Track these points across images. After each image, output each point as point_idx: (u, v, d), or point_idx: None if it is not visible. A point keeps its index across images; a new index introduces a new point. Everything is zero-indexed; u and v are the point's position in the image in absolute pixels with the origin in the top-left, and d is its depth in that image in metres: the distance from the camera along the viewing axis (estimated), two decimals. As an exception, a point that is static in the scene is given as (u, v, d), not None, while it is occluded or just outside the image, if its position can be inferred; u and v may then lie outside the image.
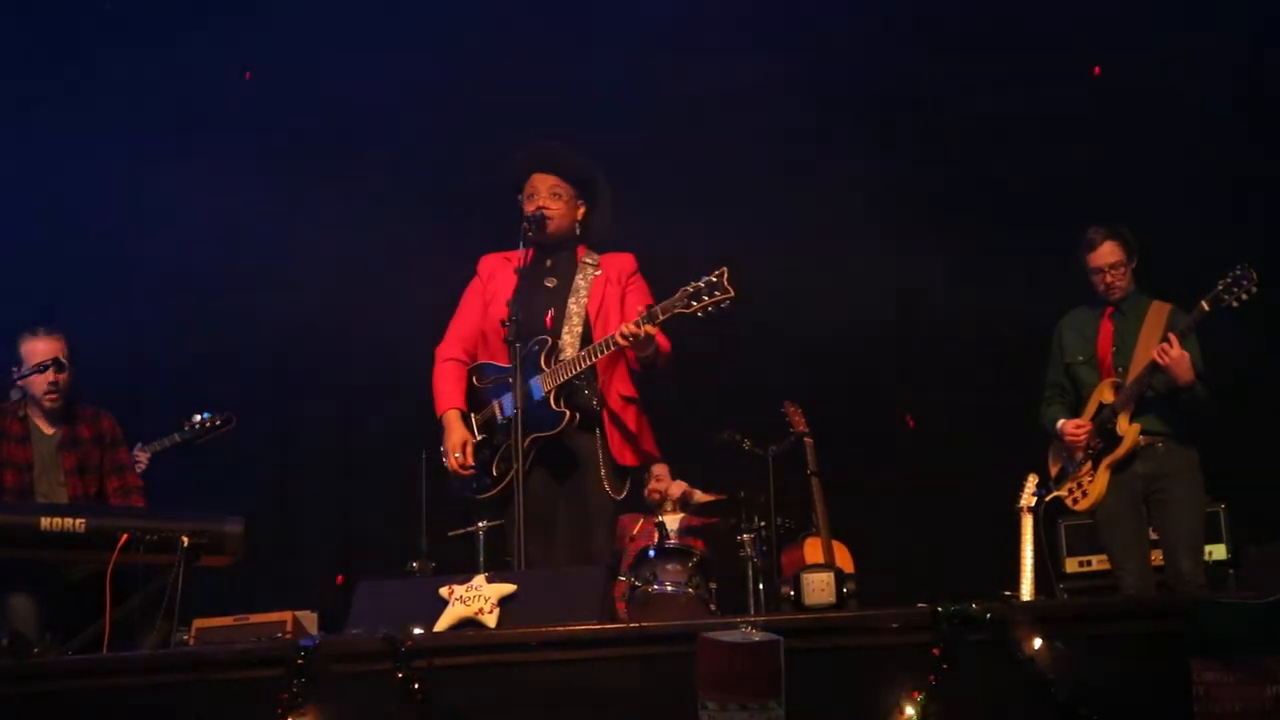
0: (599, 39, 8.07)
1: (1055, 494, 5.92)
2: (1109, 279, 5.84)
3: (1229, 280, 5.49)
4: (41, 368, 5.69)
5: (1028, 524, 6.09)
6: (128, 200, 8.11)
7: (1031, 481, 6.13)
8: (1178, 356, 5.53)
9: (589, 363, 4.99)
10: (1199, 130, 7.42)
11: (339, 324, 8.14)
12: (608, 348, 4.96)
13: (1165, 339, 5.58)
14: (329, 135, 8.31)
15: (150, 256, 8.12)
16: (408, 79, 8.26)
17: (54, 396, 5.76)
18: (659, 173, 7.85)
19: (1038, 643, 3.63)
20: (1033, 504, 6.08)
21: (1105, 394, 5.78)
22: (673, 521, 7.20)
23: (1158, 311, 5.80)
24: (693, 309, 4.84)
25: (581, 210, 5.27)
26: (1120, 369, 5.77)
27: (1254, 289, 5.47)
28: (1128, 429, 5.68)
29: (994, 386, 7.46)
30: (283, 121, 8.30)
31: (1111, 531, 5.79)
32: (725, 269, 4.83)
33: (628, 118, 7.96)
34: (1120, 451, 5.69)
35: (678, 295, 4.87)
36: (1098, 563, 6.63)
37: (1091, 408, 5.83)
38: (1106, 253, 5.83)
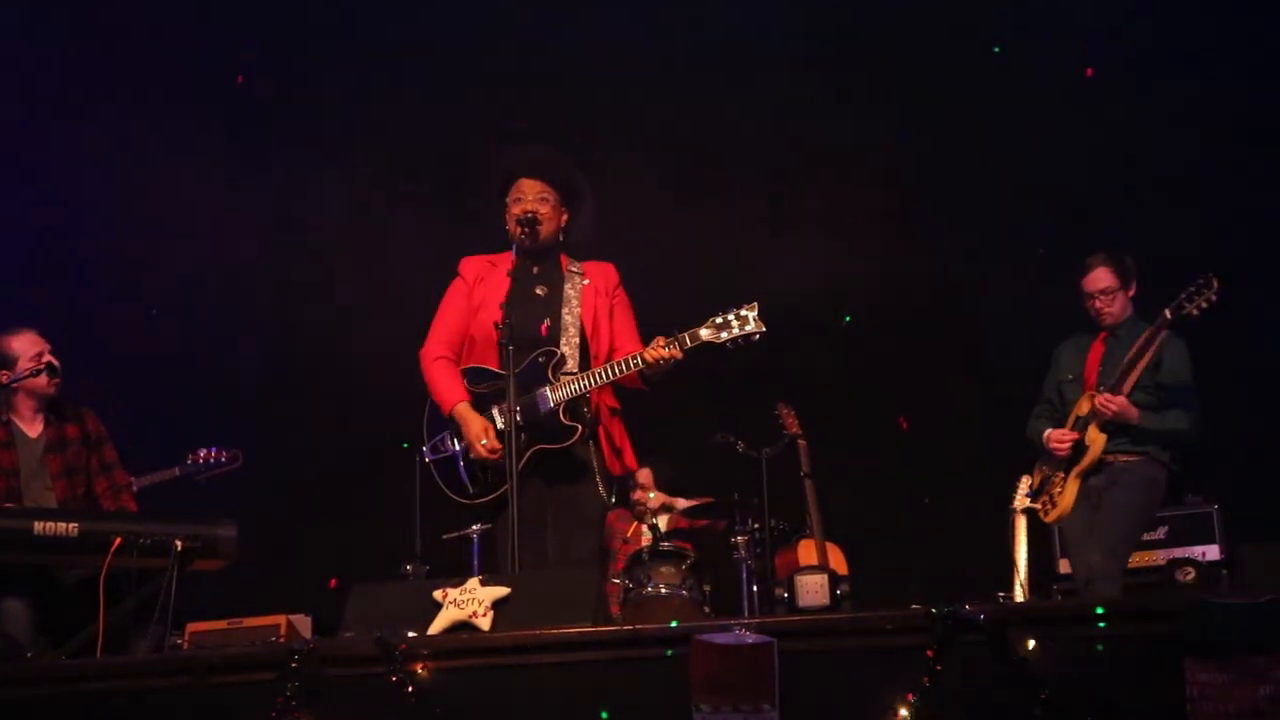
0: (588, 36, 8.08)
1: (1031, 505, 5.97)
2: (1099, 304, 5.86)
3: (1191, 289, 5.50)
4: (36, 372, 5.66)
5: (1021, 525, 6.12)
6: (119, 205, 8.09)
7: (1025, 484, 6.15)
8: (1116, 408, 5.60)
9: (608, 379, 4.98)
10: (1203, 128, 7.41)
11: (333, 325, 8.12)
12: (628, 367, 4.95)
13: (1110, 389, 5.64)
14: (324, 137, 8.30)
15: (143, 256, 8.12)
16: (401, 81, 8.27)
17: (58, 381, 5.71)
18: (648, 170, 7.84)
19: (1031, 644, 3.64)
20: (1026, 505, 6.10)
21: (1082, 406, 5.82)
22: (660, 524, 7.21)
23: (1150, 337, 5.80)
24: (721, 340, 4.88)
25: (565, 217, 5.27)
26: (1101, 387, 5.79)
27: (1214, 298, 5.46)
28: (1095, 438, 5.70)
29: (988, 389, 7.47)
30: (279, 120, 8.30)
31: (1072, 549, 5.85)
32: (756, 303, 4.87)
33: (616, 109, 7.96)
34: (1086, 460, 5.71)
35: (706, 324, 4.89)
36: (1091, 564, 6.64)
37: (1071, 420, 5.86)
38: (1098, 278, 5.85)
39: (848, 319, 8.31)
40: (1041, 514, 5.92)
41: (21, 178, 8.02)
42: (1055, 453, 5.81)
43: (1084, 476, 5.74)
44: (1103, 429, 5.69)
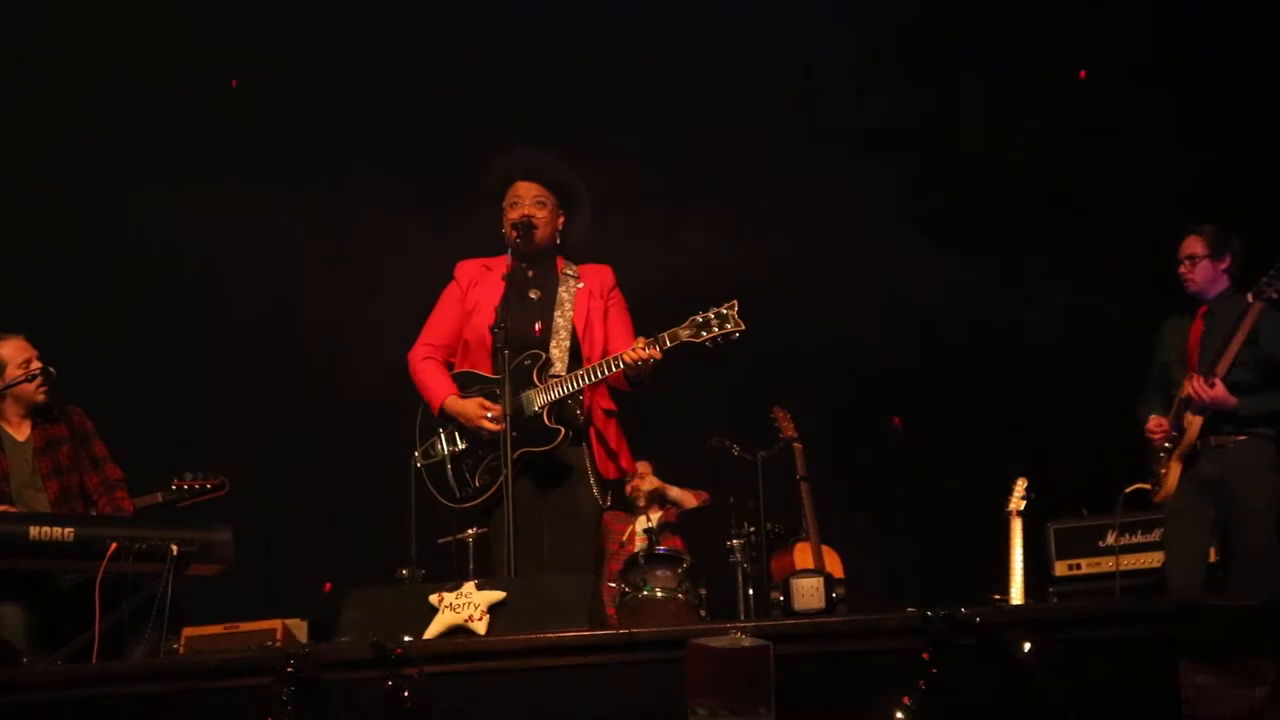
0: (588, 40, 8.09)
1: (1139, 485, 5.97)
2: (1183, 270, 5.88)
3: (1272, 273, 5.53)
4: (31, 377, 5.64)
5: (1017, 527, 6.13)
6: (110, 214, 8.08)
7: (1021, 485, 6.16)
8: (1211, 397, 5.59)
9: (589, 381, 4.96)
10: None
11: (328, 330, 8.13)
12: (610, 369, 4.93)
13: (1205, 374, 5.63)
14: (317, 142, 8.31)
15: (137, 259, 8.12)
16: (393, 88, 8.28)
17: (46, 388, 5.70)
18: (643, 171, 7.85)
19: (1027, 646, 3.64)
20: (1022, 508, 6.12)
21: (1186, 388, 5.79)
22: (652, 521, 7.25)
23: (1241, 315, 5.75)
24: (701, 339, 4.86)
25: (562, 220, 5.26)
26: (1200, 368, 5.77)
27: None
28: (1191, 420, 5.70)
29: (984, 391, 7.48)
30: (272, 131, 8.30)
31: (1169, 530, 5.86)
32: (736, 301, 4.86)
33: (622, 114, 7.96)
34: (1184, 444, 5.71)
35: (686, 324, 4.87)
36: (1087, 566, 6.66)
37: (1176, 403, 5.84)
38: (1188, 244, 5.88)
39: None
40: (1150, 494, 5.92)
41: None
42: (1151, 440, 5.82)
43: (1186, 459, 5.73)
44: (1198, 412, 5.67)
